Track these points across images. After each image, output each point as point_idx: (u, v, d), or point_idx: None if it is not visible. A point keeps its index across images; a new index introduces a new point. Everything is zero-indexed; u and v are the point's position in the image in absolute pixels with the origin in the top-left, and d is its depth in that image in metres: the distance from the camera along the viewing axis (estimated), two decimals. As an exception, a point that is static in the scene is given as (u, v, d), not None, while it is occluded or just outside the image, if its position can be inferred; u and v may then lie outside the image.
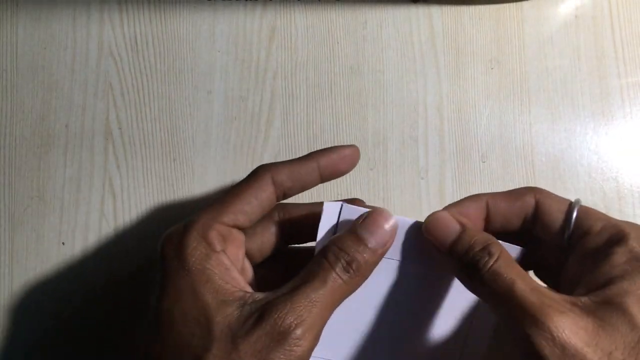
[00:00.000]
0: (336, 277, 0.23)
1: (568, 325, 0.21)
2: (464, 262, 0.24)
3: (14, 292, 0.33)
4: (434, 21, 0.35)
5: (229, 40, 0.35)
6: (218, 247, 0.24)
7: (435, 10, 0.35)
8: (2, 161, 0.34)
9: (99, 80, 0.35)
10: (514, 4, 0.35)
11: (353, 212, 0.26)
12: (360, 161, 0.34)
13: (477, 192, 0.33)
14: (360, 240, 0.24)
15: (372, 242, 0.24)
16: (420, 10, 0.35)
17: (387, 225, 0.25)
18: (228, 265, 0.24)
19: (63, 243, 0.33)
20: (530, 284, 0.22)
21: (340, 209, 0.26)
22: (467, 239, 0.24)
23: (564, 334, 0.21)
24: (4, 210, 0.34)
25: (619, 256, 0.23)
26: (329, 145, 0.34)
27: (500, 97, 0.35)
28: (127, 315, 0.33)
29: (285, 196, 0.27)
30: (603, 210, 0.33)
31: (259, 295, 0.23)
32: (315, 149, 0.34)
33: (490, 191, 0.26)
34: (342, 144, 0.29)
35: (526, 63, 0.35)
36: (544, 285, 0.26)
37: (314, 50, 0.35)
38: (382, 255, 0.25)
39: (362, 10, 0.35)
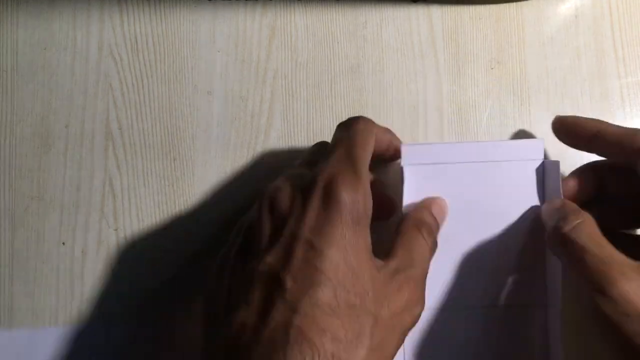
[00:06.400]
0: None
1: (633, 290, 0.23)
2: (549, 230, 0.27)
3: (14, 292, 0.33)
4: (434, 21, 0.35)
5: (229, 40, 0.35)
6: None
7: (435, 10, 0.35)
8: (2, 161, 0.34)
9: (99, 80, 0.35)
10: (514, 4, 0.35)
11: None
12: (360, 161, 0.34)
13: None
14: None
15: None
16: (420, 10, 0.35)
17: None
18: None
19: (63, 243, 0.33)
20: (601, 252, 0.24)
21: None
22: (558, 210, 0.28)
23: (628, 300, 0.23)
24: (4, 210, 0.34)
25: None
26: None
27: (500, 97, 0.35)
28: (127, 315, 0.33)
29: None
30: (603, 210, 0.34)
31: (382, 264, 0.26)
32: (316, 149, 0.34)
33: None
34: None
35: (526, 63, 0.35)
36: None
37: (314, 50, 0.35)
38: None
39: (362, 10, 0.35)
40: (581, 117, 0.31)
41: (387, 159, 0.32)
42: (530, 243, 0.31)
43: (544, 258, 0.31)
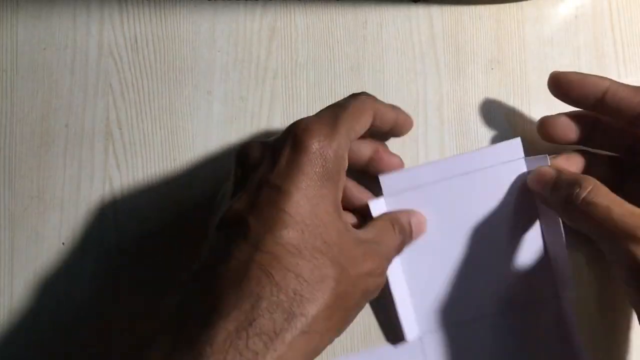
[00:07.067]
0: None
1: None
2: (562, 200, 0.27)
3: (14, 292, 0.33)
4: (434, 21, 0.35)
5: (229, 40, 0.35)
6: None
7: (436, 10, 0.35)
8: (2, 161, 0.34)
9: (99, 80, 0.35)
10: (514, 3, 0.35)
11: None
12: (360, 161, 0.34)
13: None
14: None
15: None
16: (421, 10, 0.35)
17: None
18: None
19: (63, 243, 0.33)
20: (626, 209, 0.25)
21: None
22: (562, 179, 0.28)
23: None
24: (4, 210, 0.34)
25: None
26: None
27: (500, 97, 0.35)
28: (127, 316, 0.33)
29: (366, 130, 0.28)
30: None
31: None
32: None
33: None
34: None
35: (526, 63, 0.35)
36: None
37: (314, 50, 0.35)
38: None
39: (362, 10, 0.35)
40: (585, 74, 0.30)
41: (393, 135, 0.32)
42: (529, 240, 0.31)
43: (545, 249, 0.31)
